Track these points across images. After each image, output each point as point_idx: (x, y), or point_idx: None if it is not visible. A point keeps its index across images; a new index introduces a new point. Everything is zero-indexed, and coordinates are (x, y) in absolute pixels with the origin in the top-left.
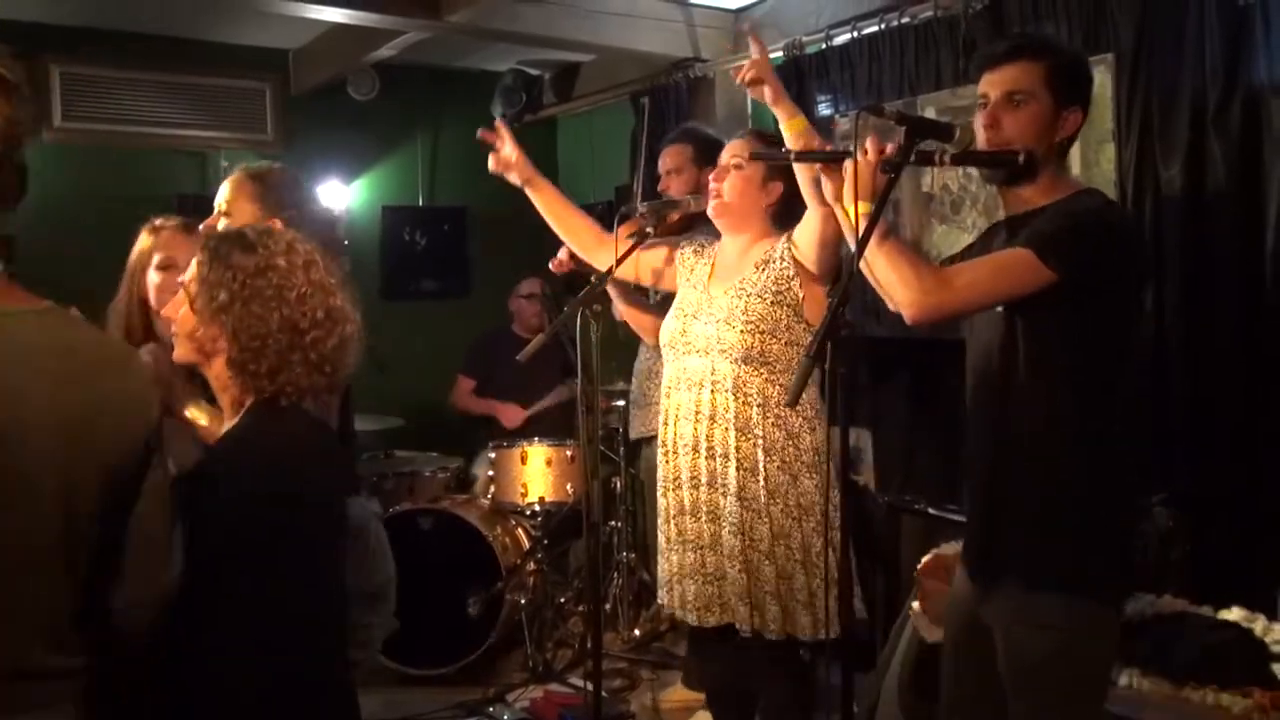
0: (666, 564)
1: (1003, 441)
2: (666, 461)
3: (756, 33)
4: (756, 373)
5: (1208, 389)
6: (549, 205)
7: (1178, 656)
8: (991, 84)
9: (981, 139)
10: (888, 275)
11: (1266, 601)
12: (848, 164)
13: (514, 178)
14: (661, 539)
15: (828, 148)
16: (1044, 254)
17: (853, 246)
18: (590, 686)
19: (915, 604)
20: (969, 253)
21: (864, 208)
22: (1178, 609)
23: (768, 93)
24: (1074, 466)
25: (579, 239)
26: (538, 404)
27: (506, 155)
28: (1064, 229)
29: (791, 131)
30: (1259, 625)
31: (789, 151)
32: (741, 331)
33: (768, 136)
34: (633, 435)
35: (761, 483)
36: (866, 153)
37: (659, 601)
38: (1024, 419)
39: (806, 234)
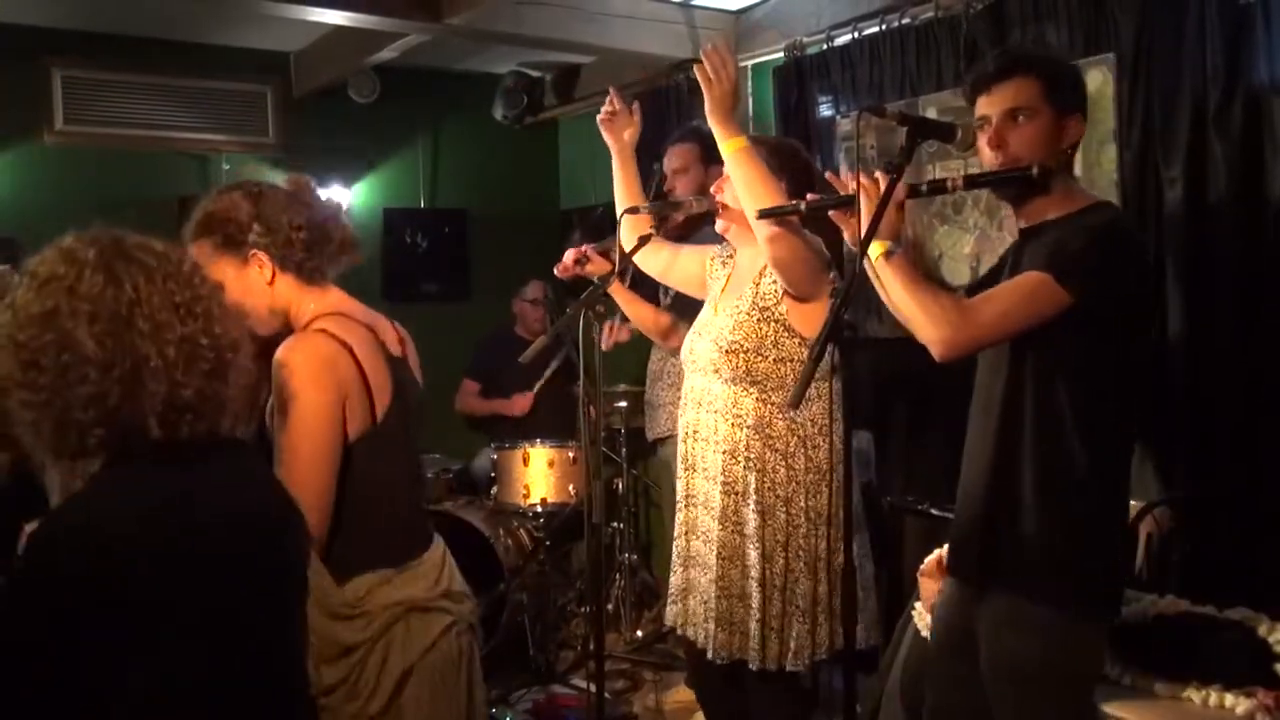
0: (672, 578)
1: (1003, 450)
2: (680, 478)
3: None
4: (747, 393)
5: (1208, 389)
6: (627, 179)
7: (1181, 656)
8: (990, 104)
9: (987, 159)
10: (913, 312)
11: (1270, 601)
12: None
13: (614, 141)
14: (672, 552)
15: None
16: (1062, 277)
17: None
18: (593, 688)
19: (918, 604)
20: (994, 276)
21: (879, 248)
22: (1180, 609)
23: (711, 99)
24: (1073, 479)
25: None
26: (539, 381)
27: (629, 129)
28: (1081, 250)
29: (730, 150)
30: (1263, 625)
31: (798, 204)
32: (726, 351)
33: (765, 141)
34: (649, 436)
35: (752, 507)
36: (869, 195)
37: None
38: (1025, 430)
39: (768, 257)
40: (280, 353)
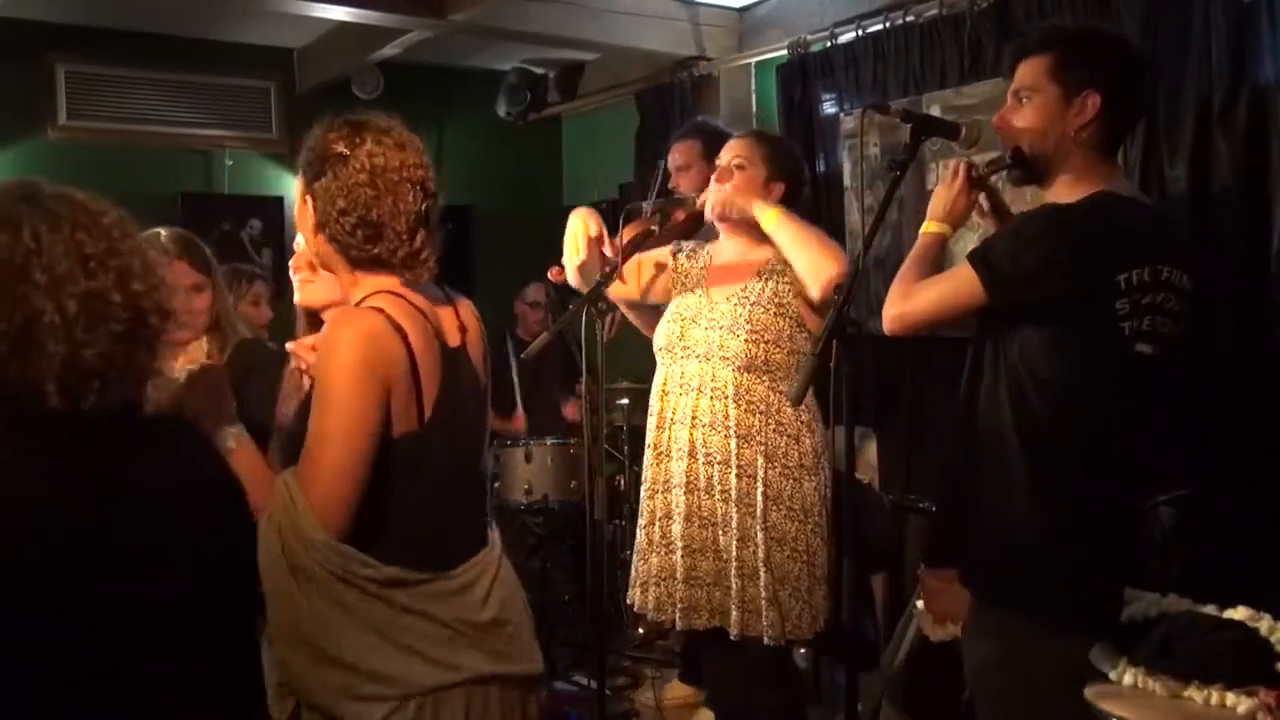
0: (644, 565)
1: (964, 452)
2: (657, 464)
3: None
4: (759, 380)
5: (1208, 389)
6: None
7: (1181, 655)
8: (1009, 90)
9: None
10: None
11: (1271, 600)
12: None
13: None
14: (641, 540)
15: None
16: (974, 261)
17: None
18: (594, 684)
19: (919, 602)
20: None
21: (933, 227)
22: (1182, 608)
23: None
24: (1008, 476)
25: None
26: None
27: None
28: (1003, 234)
29: (770, 221)
30: (1264, 624)
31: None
32: (745, 341)
33: (769, 136)
34: None
35: (761, 489)
36: (957, 176)
37: (628, 601)
38: (977, 421)
39: (805, 279)
40: (325, 329)
